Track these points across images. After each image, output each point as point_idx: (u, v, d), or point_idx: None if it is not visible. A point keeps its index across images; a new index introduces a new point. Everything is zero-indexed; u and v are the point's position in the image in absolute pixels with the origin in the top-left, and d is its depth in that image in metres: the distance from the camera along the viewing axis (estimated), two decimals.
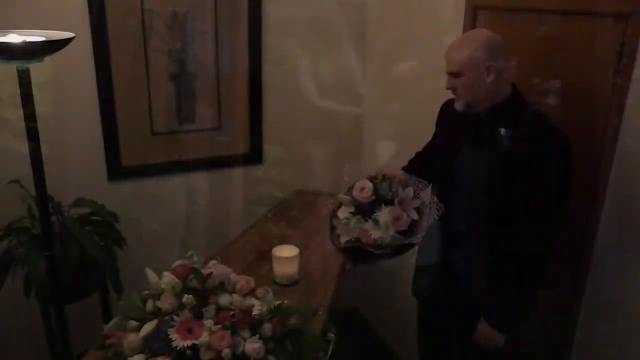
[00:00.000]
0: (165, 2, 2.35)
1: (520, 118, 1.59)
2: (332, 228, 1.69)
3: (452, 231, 1.75)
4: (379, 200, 1.60)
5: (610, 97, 1.63)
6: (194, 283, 1.32)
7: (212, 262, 1.40)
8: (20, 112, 1.56)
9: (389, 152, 1.99)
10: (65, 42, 1.53)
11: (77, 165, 2.38)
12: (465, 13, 2.12)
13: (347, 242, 1.63)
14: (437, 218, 1.63)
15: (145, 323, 1.27)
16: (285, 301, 1.37)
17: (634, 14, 1.54)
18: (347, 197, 1.64)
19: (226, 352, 1.22)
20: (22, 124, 1.56)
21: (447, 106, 1.80)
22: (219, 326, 1.25)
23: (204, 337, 1.22)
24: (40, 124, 1.59)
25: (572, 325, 1.85)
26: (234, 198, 2.78)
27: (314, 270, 1.99)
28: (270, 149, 2.78)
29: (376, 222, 1.58)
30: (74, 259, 2.08)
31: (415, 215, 1.61)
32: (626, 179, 1.64)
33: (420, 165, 1.95)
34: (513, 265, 1.61)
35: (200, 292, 1.31)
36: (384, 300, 3.00)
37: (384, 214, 1.57)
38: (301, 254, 1.94)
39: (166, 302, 1.28)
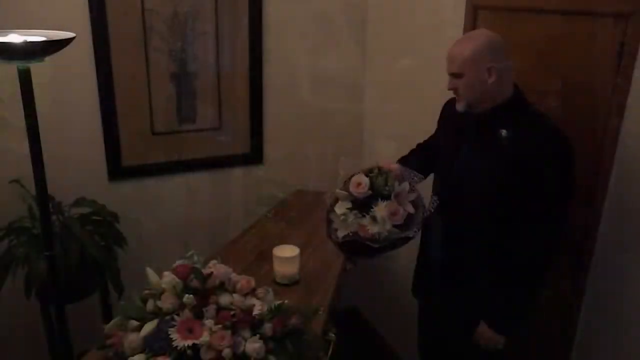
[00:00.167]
0: (165, 2, 2.35)
1: (521, 119, 1.59)
2: (329, 222, 1.70)
3: (453, 232, 1.75)
4: (376, 195, 1.61)
5: (611, 97, 1.63)
6: (195, 283, 1.32)
7: (212, 262, 1.40)
8: (21, 111, 1.55)
9: (389, 152, 1.99)
10: (66, 42, 1.53)
11: (78, 165, 2.38)
12: (466, 13, 2.12)
13: (344, 236, 1.63)
14: (432, 210, 1.63)
15: (145, 323, 1.27)
16: (286, 301, 1.37)
17: (634, 14, 1.54)
18: (344, 192, 1.64)
19: (227, 351, 1.22)
20: (23, 124, 1.56)
21: (449, 106, 1.80)
22: (220, 326, 1.25)
23: (205, 337, 1.22)
24: (40, 124, 1.59)
25: (573, 325, 1.85)
26: (234, 198, 2.78)
27: (315, 270, 1.99)
28: (270, 149, 2.78)
29: (373, 217, 1.59)
30: (75, 258, 2.08)
31: (411, 209, 1.61)
32: (626, 179, 1.64)
33: (420, 156, 1.96)
34: (513, 266, 1.61)
35: (201, 292, 1.31)
36: (384, 300, 3.00)
37: (381, 210, 1.58)
38: (301, 253, 1.94)
39: (167, 302, 1.28)
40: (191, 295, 1.27)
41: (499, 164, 1.60)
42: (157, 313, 1.29)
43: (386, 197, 1.60)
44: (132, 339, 1.25)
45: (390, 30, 2.68)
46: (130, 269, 2.20)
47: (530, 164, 1.54)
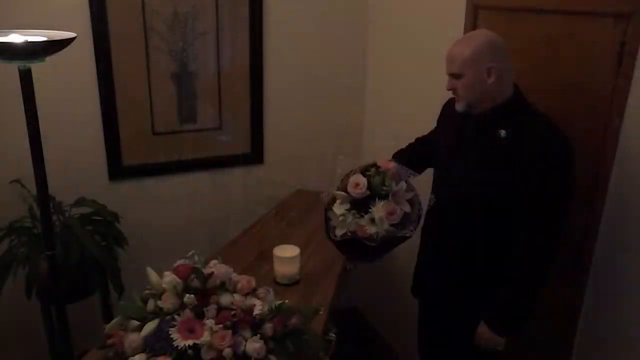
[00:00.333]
0: (166, 2, 2.36)
1: (521, 119, 1.59)
2: (327, 220, 1.70)
3: (453, 232, 1.75)
4: (374, 195, 1.61)
5: (611, 97, 1.63)
6: (195, 283, 1.32)
7: (213, 262, 1.40)
8: (22, 111, 1.56)
9: (389, 152, 1.99)
10: (67, 42, 1.53)
11: (78, 165, 2.38)
12: (466, 13, 2.12)
13: (342, 235, 1.64)
14: (429, 208, 1.63)
15: (146, 323, 1.27)
16: (286, 301, 1.37)
17: (635, 14, 1.54)
18: (343, 193, 1.65)
19: (227, 351, 1.22)
20: (24, 124, 1.56)
21: (449, 106, 1.80)
22: (220, 326, 1.25)
23: (205, 337, 1.22)
24: (41, 124, 1.59)
25: (573, 325, 1.85)
26: (234, 198, 2.78)
27: (315, 270, 1.99)
28: (270, 149, 2.78)
29: (372, 218, 1.59)
30: (75, 258, 2.08)
31: (407, 208, 1.62)
32: (626, 179, 1.64)
33: (418, 150, 1.97)
34: (513, 266, 1.61)
35: (202, 292, 1.31)
36: (384, 300, 3.00)
37: (379, 210, 1.58)
38: (302, 253, 1.95)
39: (167, 302, 1.28)
40: (192, 295, 1.27)
41: (498, 164, 1.59)
42: (158, 313, 1.29)
43: (383, 197, 1.60)
44: (133, 338, 1.25)
45: (390, 30, 2.68)
46: (131, 268, 2.20)
47: (530, 164, 1.54)
